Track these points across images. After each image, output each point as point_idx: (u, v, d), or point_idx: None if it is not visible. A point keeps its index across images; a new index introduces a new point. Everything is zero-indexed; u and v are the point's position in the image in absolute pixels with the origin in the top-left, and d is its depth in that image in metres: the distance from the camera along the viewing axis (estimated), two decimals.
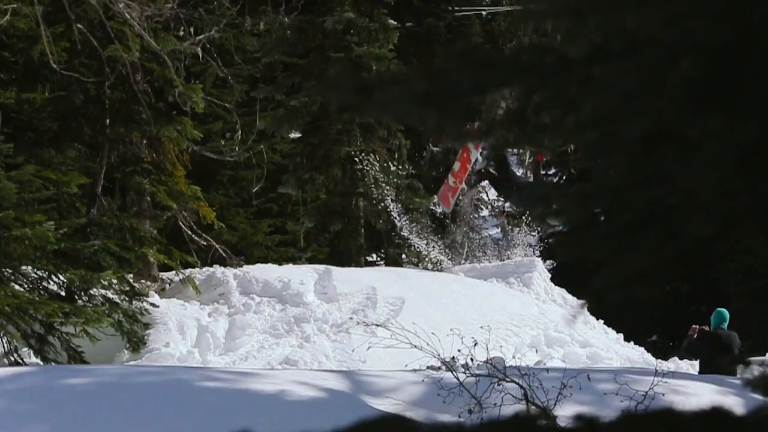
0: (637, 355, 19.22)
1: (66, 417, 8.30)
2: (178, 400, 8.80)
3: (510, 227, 31.93)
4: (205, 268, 18.40)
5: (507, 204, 32.64)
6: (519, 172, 33.59)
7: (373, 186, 23.86)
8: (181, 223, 18.67)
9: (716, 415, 2.47)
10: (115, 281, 14.90)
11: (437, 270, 25.37)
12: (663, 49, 2.25)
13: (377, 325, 14.35)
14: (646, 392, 8.44)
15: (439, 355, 9.50)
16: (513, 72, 2.39)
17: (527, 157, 31.19)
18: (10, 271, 14.07)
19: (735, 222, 2.67)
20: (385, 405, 9.15)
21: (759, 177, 2.48)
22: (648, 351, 20.20)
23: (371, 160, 23.91)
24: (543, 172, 33.75)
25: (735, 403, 3.47)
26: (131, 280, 15.78)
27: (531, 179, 32.43)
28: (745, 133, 2.32)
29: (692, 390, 9.97)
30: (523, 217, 31.71)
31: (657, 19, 2.21)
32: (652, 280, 2.80)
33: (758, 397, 2.81)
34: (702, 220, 2.64)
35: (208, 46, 17.94)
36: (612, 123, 2.33)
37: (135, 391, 8.92)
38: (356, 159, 24.02)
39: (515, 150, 26.96)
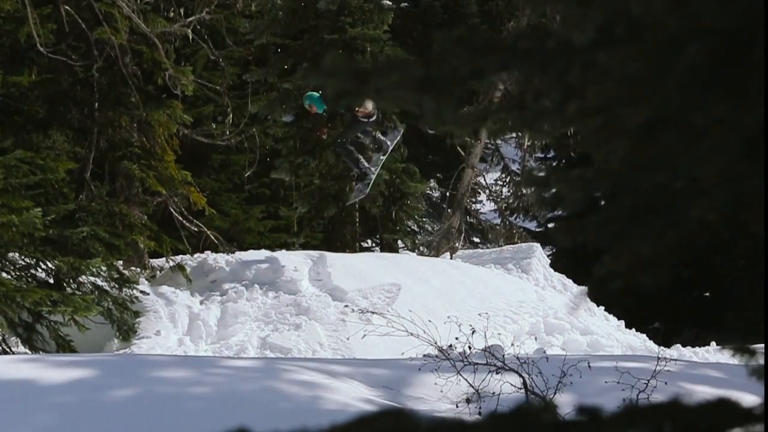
0: (638, 342, 19.23)
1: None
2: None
3: (508, 212, 31.97)
4: (196, 255, 18.42)
5: (506, 189, 32.66)
6: (517, 155, 33.57)
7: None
8: (171, 209, 18.67)
9: (723, 406, 2.46)
10: (104, 268, 14.91)
11: (434, 256, 25.38)
12: (669, 34, 2.24)
13: (373, 313, 14.40)
14: (648, 381, 8.44)
15: (436, 342, 9.50)
16: (512, 57, 2.38)
17: (525, 140, 31.17)
18: None
19: (741, 207, 2.67)
20: (381, 394, 9.15)
21: (766, 161, 2.48)
22: (650, 338, 20.21)
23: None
24: (542, 155, 33.75)
25: (742, 392, 3.46)
26: (121, 268, 15.79)
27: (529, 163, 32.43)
28: (751, 118, 2.31)
29: (697, 379, 9.98)
30: (521, 204, 31.76)
31: (663, 3, 2.21)
32: (656, 267, 2.80)
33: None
34: (707, 205, 2.64)
35: (198, 27, 17.94)
36: (615, 109, 2.32)
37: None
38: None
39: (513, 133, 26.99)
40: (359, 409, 8.14)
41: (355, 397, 8.87)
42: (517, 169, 33.40)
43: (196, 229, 18.93)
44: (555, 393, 8.46)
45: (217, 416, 8.06)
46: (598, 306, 20.26)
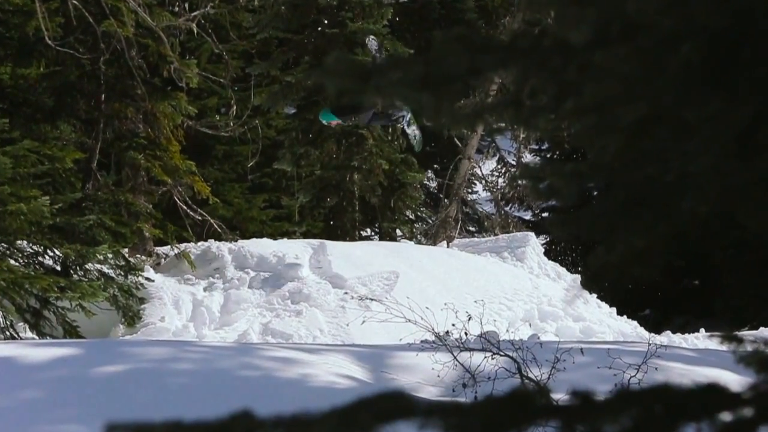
0: (629, 329, 19.24)
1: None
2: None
3: (503, 202, 31.96)
4: (200, 243, 18.42)
5: (501, 180, 32.62)
6: (512, 146, 33.53)
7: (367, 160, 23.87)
8: (176, 198, 18.68)
9: (713, 390, 2.48)
10: (110, 256, 14.93)
11: (431, 244, 25.38)
12: (663, 34, 2.26)
13: (372, 300, 14.40)
14: (639, 366, 8.46)
15: (433, 329, 9.52)
16: (510, 55, 2.40)
17: (521, 132, 31.14)
18: (5, 245, 14.10)
19: (730, 199, 2.68)
20: (379, 379, 9.17)
21: (754, 156, 2.50)
22: (641, 325, 20.22)
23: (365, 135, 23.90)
24: (536, 147, 33.72)
25: (731, 378, 3.48)
26: (126, 255, 15.80)
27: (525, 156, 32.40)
28: (741, 115, 2.33)
29: (686, 364, 10.00)
30: (516, 194, 31.73)
31: (658, 4, 2.22)
32: (648, 258, 2.81)
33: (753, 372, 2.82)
34: (698, 197, 2.65)
35: (203, 21, 17.95)
36: (611, 107, 2.34)
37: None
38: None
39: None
40: (358, 394, 8.16)
41: (354, 381, 8.89)
42: (513, 160, 33.37)
43: (200, 218, 18.94)
44: (549, 378, 8.48)
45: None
46: (590, 293, 20.27)
